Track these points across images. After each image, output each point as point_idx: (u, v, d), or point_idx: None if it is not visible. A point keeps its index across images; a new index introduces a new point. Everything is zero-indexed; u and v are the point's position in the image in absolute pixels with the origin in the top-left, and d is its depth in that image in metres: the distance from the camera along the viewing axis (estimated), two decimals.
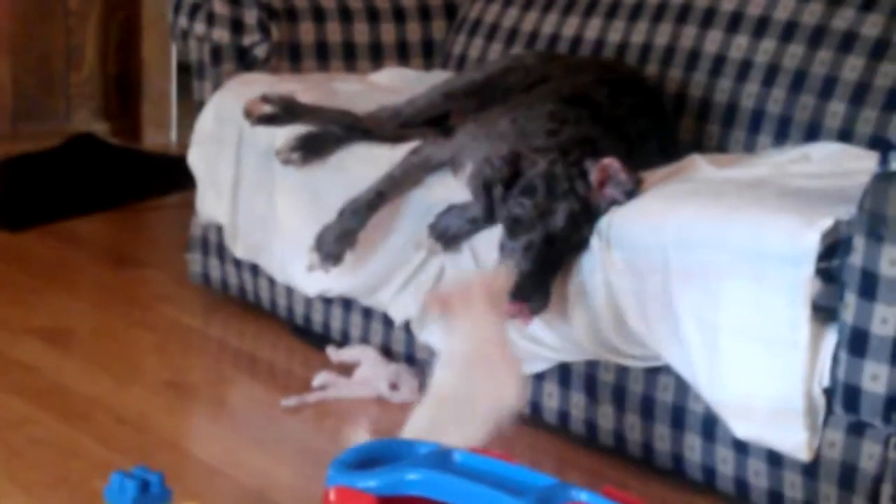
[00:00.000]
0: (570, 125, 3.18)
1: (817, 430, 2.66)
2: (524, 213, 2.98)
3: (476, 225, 3.15)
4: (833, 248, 2.60)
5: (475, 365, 2.79)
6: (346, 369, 3.45)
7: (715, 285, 2.71)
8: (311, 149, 3.50)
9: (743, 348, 2.68)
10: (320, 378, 3.40)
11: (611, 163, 2.96)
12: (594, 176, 2.96)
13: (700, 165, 3.14)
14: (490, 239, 3.10)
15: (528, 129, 3.19)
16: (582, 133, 3.15)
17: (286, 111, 3.55)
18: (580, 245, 2.97)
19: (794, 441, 2.66)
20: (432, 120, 3.57)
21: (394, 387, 3.37)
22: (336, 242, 3.30)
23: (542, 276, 2.93)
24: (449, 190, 3.25)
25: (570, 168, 2.99)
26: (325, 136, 3.51)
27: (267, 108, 3.55)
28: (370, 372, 3.42)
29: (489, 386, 2.77)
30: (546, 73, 3.48)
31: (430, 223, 3.21)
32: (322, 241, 3.32)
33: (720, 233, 2.73)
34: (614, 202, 2.96)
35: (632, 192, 2.95)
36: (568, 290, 2.97)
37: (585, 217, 2.96)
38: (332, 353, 3.54)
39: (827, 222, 2.60)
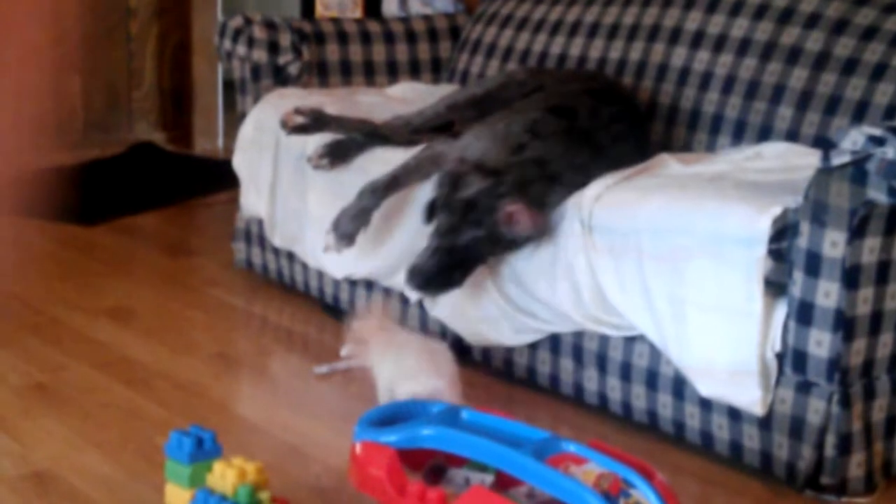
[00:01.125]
0: (539, 140, 3.15)
1: (770, 389, 2.66)
2: (440, 224, 3.06)
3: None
4: (782, 232, 2.60)
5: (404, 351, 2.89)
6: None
7: (682, 265, 2.71)
8: (338, 155, 3.50)
9: (706, 319, 2.68)
10: (346, 349, 3.40)
11: (514, 210, 2.97)
12: (501, 215, 2.99)
13: (668, 163, 3.14)
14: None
15: (510, 135, 3.19)
16: (545, 152, 3.12)
17: (316, 121, 3.55)
18: (480, 259, 3.07)
19: (750, 398, 2.66)
20: (438, 128, 3.56)
21: None
22: (352, 221, 3.29)
23: (434, 275, 3.06)
24: None
25: (492, 199, 3.00)
26: (348, 143, 3.50)
27: (300, 119, 3.55)
28: None
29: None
30: (539, 84, 3.47)
31: (333, 222, 3.26)
32: (339, 222, 3.30)
33: (686, 219, 2.73)
34: (516, 239, 3.00)
35: (531, 237, 2.99)
36: (555, 269, 2.96)
37: (488, 241, 3.02)
38: (357, 327, 3.54)
39: (777, 209, 2.60)
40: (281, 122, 3.59)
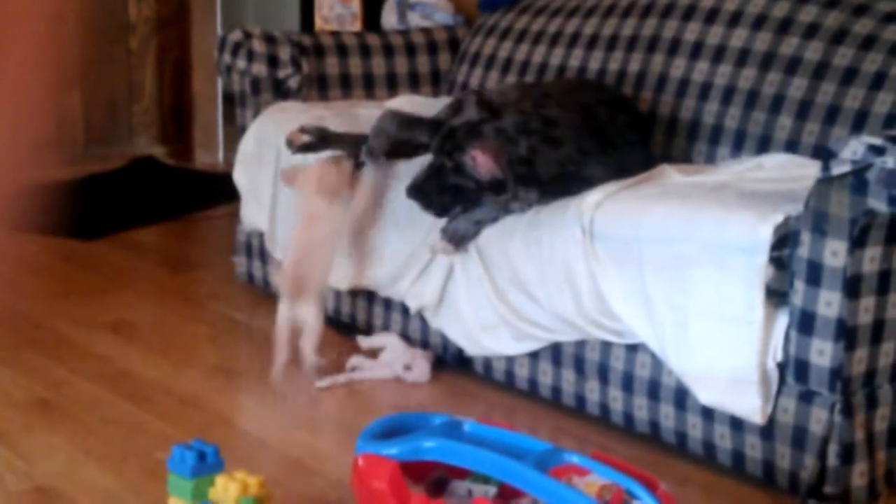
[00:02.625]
0: (560, 108, 3.21)
1: (770, 398, 2.65)
2: (433, 143, 3.19)
3: (480, 225, 3.15)
4: (783, 240, 2.60)
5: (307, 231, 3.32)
6: (374, 354, 3.45)
7: (683, 273, 2.71)
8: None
9: (706, 326, 2.68)
10: (352, 361, 3.40)
11: (477, 154, 3.05)
12: (469, 159, 3.08)
13: (669, 173, 3.14)
14: (492, 238, 3.11)
15: (536, 94, 3.30)
16: (556, 115, 3.18)
17: (321, 139, 3.54)
18: (458, 189, 3.13)
19: (750, 407, 2.66)
20: None
21: (408, 368, 3.36)
22: (376, 140, 3.41)
23: (429, 187, 3.17)
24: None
25: (470, 136, 3.10)
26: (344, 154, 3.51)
27: (306, 138, 3.53)
28: (391, 356, 3.41)
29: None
30: (544, 92, 3.44)
31: (442, 228, 3.20)
32: (371, 141, 3.42)
33: (687, 227, 2.73)
34: (478, 181, 3.08)
35: (494, 173, 3.06)
36: (557, 276, 2.95)
37: (457, 173, 3.10)
38: (363, 340, 3.53)
39: (778, 217, 2.60)
40: (287, 142, 3.57)
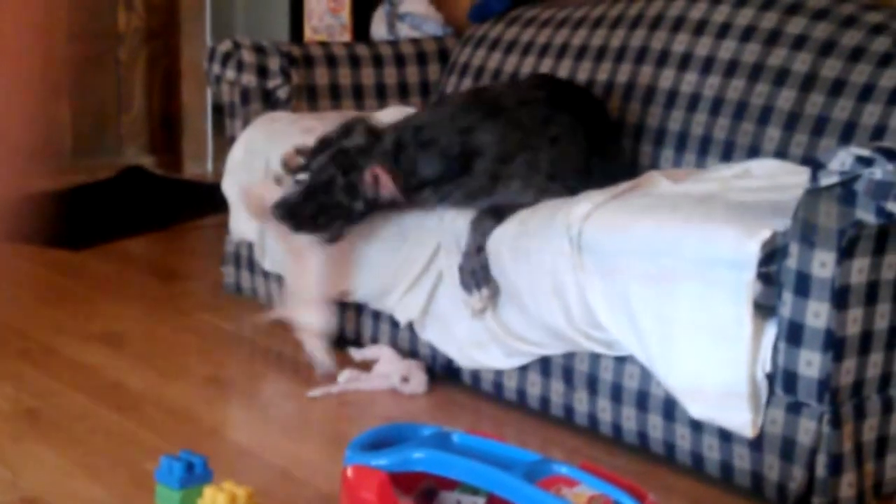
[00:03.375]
0: (428, 110, 3.43)
1: (760, 411, 2.66)
2: (314, 162, 3.30)
3: (482, 251, 3.12)
4: (771, 256, 2.60)
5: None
6: (367, 366, 3.44)
7: (670, 287, 2.72)
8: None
9: (694, 341, 2.68)
10: (345, 375, 3.39)
11: (376, 173, 3.17)
12: (365, 175, 3.19)
13: (658, 181, 3.13)
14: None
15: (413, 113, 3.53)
16: (421, 121, 3.32)
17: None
18: (345, 210, 3.22)
19: (740, 420, 2.66)
20: None
21: (405, 380, 3.36)
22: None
23: (297, 204, 3.23)
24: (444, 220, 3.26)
25: (363, 157, 3.22)
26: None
27: (301, 160, 3.52)
28: (386, 367, 3.40)
29: None
30: (489, 86, 3.55)
31: (462, 287, 3.15)
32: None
33: (675, 242, 2.73)
34: (375, 199, 3.20)
35: (386, 201, 3.21)
36: (545, 288, 2.95)
37: (346, 192, 3.21)
38: (355, 352, 3.52)
39: (766, 233, 2.60)
40: (282, 164, 3.55)
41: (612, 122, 3.53)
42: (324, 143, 3.42)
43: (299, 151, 3.53)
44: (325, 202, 3.21)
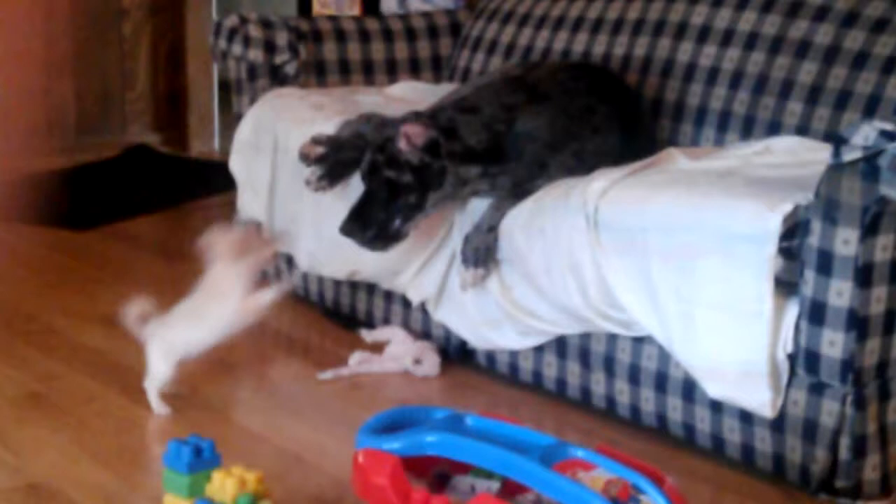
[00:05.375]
0: (470, 85, 3.37)
1: (780, 390, 2.65)
2: (364, 164, 3.22)
3: (493, 231, 3.13)
4: (793, 230, 2.59)
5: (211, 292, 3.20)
6: (378, 348, 3.45)
7: (690, 263, 2.71)
8: (336, 173, 3.46)
9: (714, 318, 2.67)
10: (356, 357, 3.39)
11: (404, 128, 3.10)
12: (399, 140, 3.12)
13: (676, 157, 3.13)
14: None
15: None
16: (465, 92, 3.34)
17: (334, 148, 3.51)
18: (395, 186, 3.12)
19: (760, 400, 2.66)
20: None
21: (417, 362, 3.36)
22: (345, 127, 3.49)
23: (359, 214, 3.17)
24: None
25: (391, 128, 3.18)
26: (347, 160, 3.47)
27: (319, 150, 3.51)
28: (398, 349, 3.41)
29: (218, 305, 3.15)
30: (526, 72, 3.46)
31: (461, 258, 3.18)
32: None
33: (694, 217, 2.72)
34: (418, 157, 3.11)
35: (426, 148, 3.10)
36: (561, 266, 2.95)
37: (391, 165, 3.12)
38: (366, 334, 3.52)
39: (787, 206, 2.59)
40: (301, 156, 3.52)
41: (646, 113, 3.52)
42: (333, 146, 3.41)
43: (316, 141, 3.51)
44: (378, 189, 3.16)
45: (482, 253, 3.13)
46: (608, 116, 3.27)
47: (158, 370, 3.09)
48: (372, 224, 3.16)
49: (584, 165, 3.13)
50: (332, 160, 3.46)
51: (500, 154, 3.15)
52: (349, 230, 3.18)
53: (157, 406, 3.08)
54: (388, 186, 3.13)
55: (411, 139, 3.09)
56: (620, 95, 3.40)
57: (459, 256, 3.20)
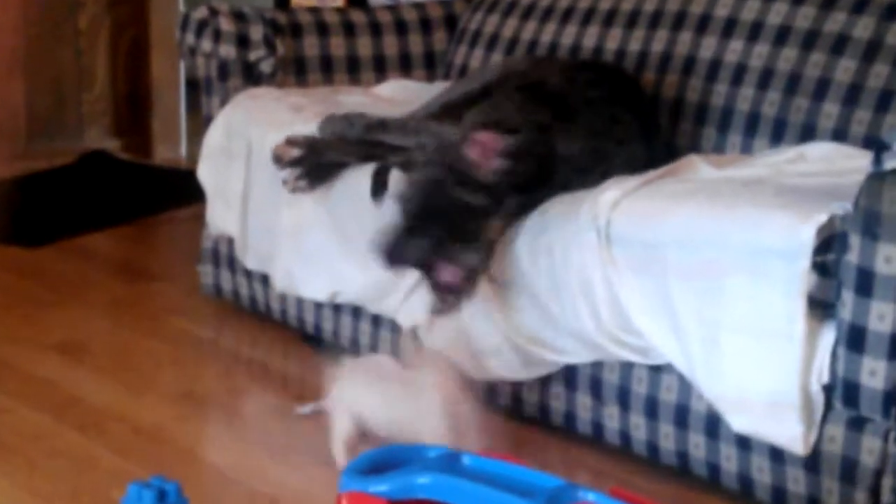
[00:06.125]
0: (496, 108, 3.27)
1: (813, 424, 2.65)
2: (401, 188, 3.13)
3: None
4: (828, 243, 2.60)
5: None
6: None
7: (713, 281, 2.71)
8: (317, 175, 3.48)
9: (740, 343, 2.68)
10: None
11: (477, 136, 3.01)
12: (471, 151, 3.02)
13: (698, 165, 3.14)
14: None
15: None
16: (502, 113, 3.22)
17: (311, 150, 3.52)
18: (464, 209, 3.02)
19: (791, 434, 2.66)
20: None
21: None
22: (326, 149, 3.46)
23: (397, 237, 3.02)
24: None
25: (451, 145, 3.08)
26: (329, 162, 3.49)
27: (295, 152, 3.52)
28: None
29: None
30: (541, 77, 3.47)
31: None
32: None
33: (718, 230, 2.73)
34: (503, 170, 3.02)
35: (510, 154, 3.02)
36: (570, 287, 2.95)
37: (460, 183, 3.01)
38: (351, 362, 3.53)
39: (822, 217, 2.60)
40: (274, 158, 3.55)
41: (658, 115, 3.54)
42: (311, 148, 3.43)
43: (292, 142, 3.52)
44: (440, 212, 3.04)
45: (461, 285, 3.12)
46: (631, 125, 3.27)
47: (342, 427, 2.98)
48: (422, 247, 3.03)
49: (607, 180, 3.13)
50: (312, 162, 3.47)
51: (538, 180, 3.10)
52: (391, 254, 3.03)
53: (340, 456, 2.99)
54: (457, 209, 3.04)
55: (486, 151, 3.02)
56: (637, 98, 3.41)
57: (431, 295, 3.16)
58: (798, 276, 2.59)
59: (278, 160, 3.52)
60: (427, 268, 3.05)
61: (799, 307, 2.60)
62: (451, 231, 3.03)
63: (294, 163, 3.50)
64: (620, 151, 3.21)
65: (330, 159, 3.48)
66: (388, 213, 3.15)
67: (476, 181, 3.03)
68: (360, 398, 2.96)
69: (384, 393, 2.94)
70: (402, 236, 3.03)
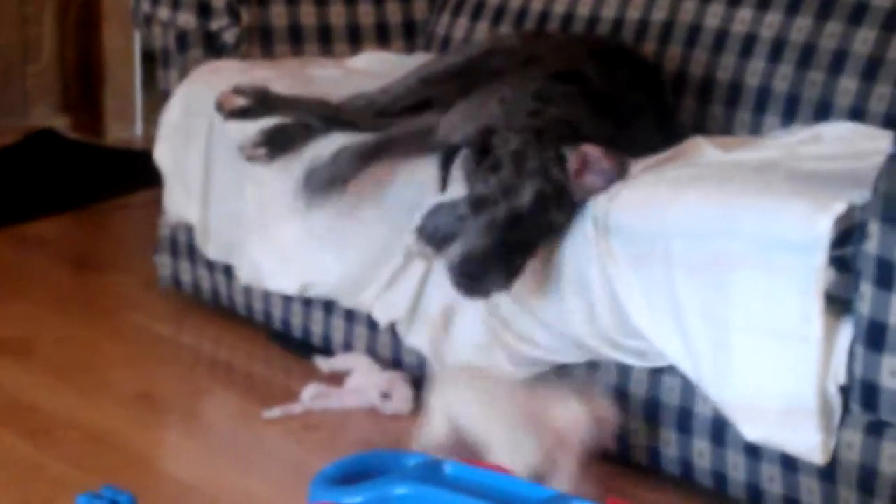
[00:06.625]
0: (554, 105, 3.17)
1: (832, 431, 2.66)
2: (488, 189, 2.97)
3: (466, 220, 3.15)
4: (847, 235, 2.60)
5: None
6: (338, 380, 3.44)
7: (721, 276, 2.72)
8: (279, 143, 3.48)
9: (752, 343, 2.68)
10: (309, 391, 3.39)
11: (591, 150, 2.95)
12: (572, 162, 2.96)
13: (704, 148, 3.14)
14: None
15: (513, 110, 3.18)
16: (566, 114, 3.14)
17: (261, 103, 3.53)
18: (550, 230, 2.97)
19: (808, 443, 2.66)
20: (411, 108, 3.55)
21: (385, 396, 3.36)
22: (326, 186, 3.29)
23: (499, 255, 2.92)
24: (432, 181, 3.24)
25: (545, 149, 2.99)
26: (293, 128, 3.49)
27: (241, 101, 3.53)
28: (362, 381, 3.41)
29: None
30: (532, 53, 3.47)
31: (418, 226, 3.17)
32: (310, 181, 3.30)
33: (727, 220, 2.73)
34: (595, 190, 2.95)
35: (614, 180, 2.95)
36: (563, 283, 2.96)
37: (557, 201, 2.94)
38: (322, 363, 3.53)
39: (840, 207, 2.60)
40: (217, 105, 3.57)
41: (670, 94, 3.54)
42: (261, 100, 3.42)
43: (239, 91, 3.52)
44: (527, 231, 2.95)
45: (440, 237, 3.12)
46: (646, 108, 3.28)
47: (435, 429, 2.90)
48: (506, 275, 2.93)
49: None
50: (275, 128, 3.46)
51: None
52: (472, 277, 2.92)
53: None
54: (544, 232, 2.98)
55: (594, 167, 2.96)
56: (651, 80, 3.42)
57: (416, 228, 3.17)
58: (814, 272, 2.59)
59: (220, 108, 3.53)
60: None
61: (815, 305, 2.60)
62: (527, 255, 2.96)
63: (238, 114, 3.50)
64: (637, 139, 3.18)
65: (284, 116, 3.47)
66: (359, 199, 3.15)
67: (567, 197, 2.98)
68: (466, 407, 2.87)
69: (499, 412, 2.84)
70: (484, 262, 2.92)
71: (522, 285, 3.03)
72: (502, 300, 3.10)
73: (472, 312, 3.17)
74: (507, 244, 2.92)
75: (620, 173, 2.96)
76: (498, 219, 2.93)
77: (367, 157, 3.30)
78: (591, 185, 2.96)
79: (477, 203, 2.98)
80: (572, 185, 2.96)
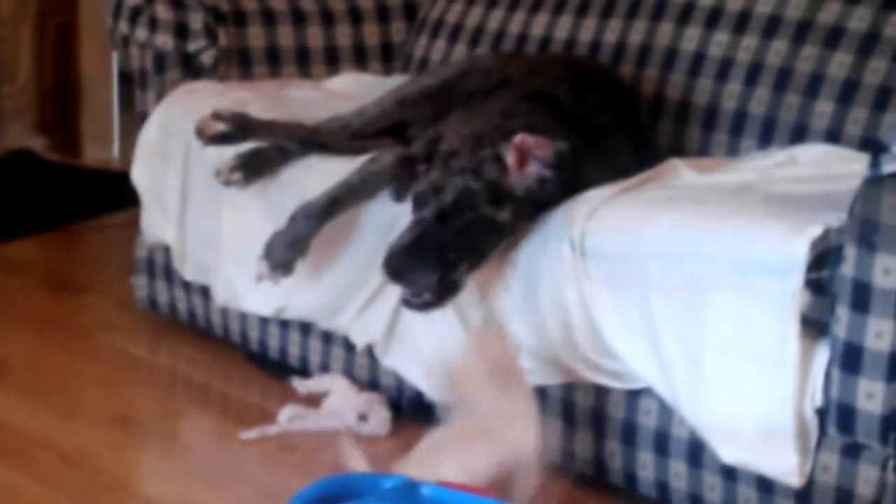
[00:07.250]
0: (520, 118, 3.19)
1: (809, 454, 2.66)
2: (421, 188, 3.04)
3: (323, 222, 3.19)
4: (823, 258, 2.60)
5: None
6: (315, 401, 3.44)
7: (697, 299, 2.72)
8: (255, 167, 3.48)
9: (728, 366, 2.68)
10: (286, 412, 3.38)
11: (523, 139, 2.98)
12: (509, 157, 2.99)
13: (680, 170, 3.14)
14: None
15: (480, 129, 3.18)
16: (527, 123, 3.14)
17: (239, 128, 3.53)
18: (492, 229, 2.99)
19: (785, 465, 2.66)
20: (387, 130, 3.56)
21: (363, 418, 3.36)
22: (286, 249, 3.28)
23: (425, 250, 2.97)
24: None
25: (482, 149, 3.03)
26: (269, 152, 3.49)
27: (220, 126, 3.52)
28: (339, 402, 3.40)
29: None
30: (506, 75, 3.48)
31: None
32: (272, 248, 3.30)
33: (702, 242, 2.73)
34: (541, 179, 2.99)
35: (555, 164, 2.98)
36: (540, 304, 2.96)
37: (491, 199, 2.98)
38: (299, 384, 3.52)
39: (816, 230, 2.60)
40: (196, 131, 3.55)
41: (646, 116, 3.55)
42: (239, 125, 3.45)
43: (218, 116, 3.52)
44: (461, 231, 2.99)
45: (289, 250, 3.24)
46: (619, 130, 3.28)
47: None
48: (434, 268, 2.99)
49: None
50: (250, 152, 3.47)
51: (558, 203, 3.05)
52: (399, 269, 2.99)
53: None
54: (480, 225, 3.01)
55: (529, 157, 2.99)
56: (626, 102, 3.43)
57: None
58: (790, 295, 2.59)
59: (200, 134, 3.52)
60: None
61: (791, 328, 2.60)
62: (464, 254, 3.00)
63: (217, 139, 3.50)
64: (612, 164, 3.18)
65: (262, 140, 3.48)
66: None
67: (508, 194, 3.01)
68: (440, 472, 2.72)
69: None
70: (413, 258, 2.98)
71: (500, 306, 3.04)
72: (478, 320, 3.10)
73: (447, 333, 3.17)
74: (438, 241, 2.97)
75: (560, 154, 2.99)
76: (425, 217, 3.00)
77: (324, 215, 3.30)
78: (535, 174, 3.00)
79: (416, 202, 3.05)
80: (514, 181, 2.99)
